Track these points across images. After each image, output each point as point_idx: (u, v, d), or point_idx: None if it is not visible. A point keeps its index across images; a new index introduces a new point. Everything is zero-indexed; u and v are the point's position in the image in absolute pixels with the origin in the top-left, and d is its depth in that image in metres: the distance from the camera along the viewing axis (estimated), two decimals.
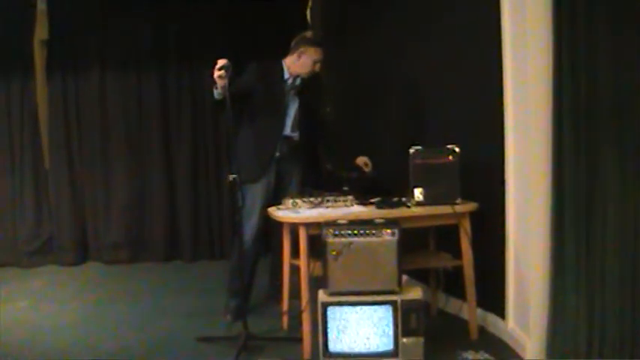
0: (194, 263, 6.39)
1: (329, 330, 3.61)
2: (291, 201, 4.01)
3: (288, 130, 4.73)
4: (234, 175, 3.88)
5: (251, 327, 4.02)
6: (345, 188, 4.27)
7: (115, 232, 6.46)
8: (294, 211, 3.93)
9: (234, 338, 4.01)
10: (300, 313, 3.92)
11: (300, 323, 3.93)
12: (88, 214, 6.52)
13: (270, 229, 4.66)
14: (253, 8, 6.31)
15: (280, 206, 4.07)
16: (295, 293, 4.11)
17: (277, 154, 4.67)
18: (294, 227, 3.94)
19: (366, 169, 4.73)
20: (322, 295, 3.65)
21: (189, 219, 6.49)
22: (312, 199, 4.03)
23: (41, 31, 6.22)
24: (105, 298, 5.36)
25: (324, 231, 3.58)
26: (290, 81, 4.73)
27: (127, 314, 4.89)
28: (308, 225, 3.78)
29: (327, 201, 4.03)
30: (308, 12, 6.36)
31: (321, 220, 3.75)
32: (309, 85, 4.82)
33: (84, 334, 4.46)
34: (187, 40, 6.39)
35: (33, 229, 6.45)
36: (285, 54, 4.73)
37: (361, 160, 4.76)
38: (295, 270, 4.05)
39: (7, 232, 6.46)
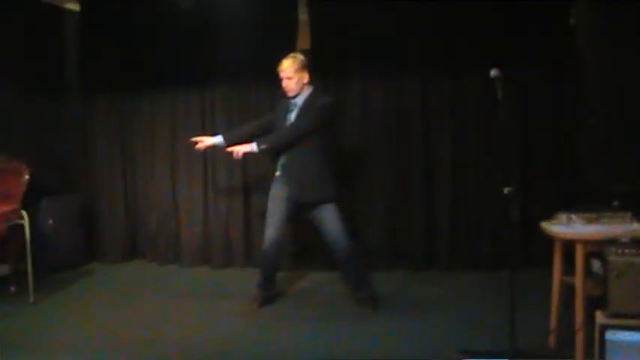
0: (450, 273, 6.33)
1: (607, 354, 3.45)
2: (564, 216, 3.87)
3: None
4: (509, 188, 3.81)
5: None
6: (615, 203, 4.03)
7: (374, 238, 6.58)
8: (568, 227, 3.79)
9: (500, 353, 3.94)
10: (570, 332, 3.79)
11: (569, 343, 3.79)
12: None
13: None
14: (519, 10, 6.13)
15: (553, 221, 3.94)
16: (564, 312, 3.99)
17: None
18: (566, 243, 3.81)
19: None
20: (600, 317, 3.49)
21: (447, 225, 6.46)
22: (586, 214, 3.85)
23: (303, 41, 6.56)
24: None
25: (606, 249, 3.42)
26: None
27: (389, 323, 4.95)
28: (585, 242, 3.63)
29: (604, 217, 3.83)
30: (572, 14, 6.09)
31: (599, 237, 3.58)
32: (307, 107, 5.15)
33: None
34: (451, 45, 6.36)
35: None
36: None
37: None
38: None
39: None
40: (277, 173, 5.24)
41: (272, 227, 5.26)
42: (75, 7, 7.18)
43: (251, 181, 6.87)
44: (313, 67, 5.33)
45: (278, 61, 5.24)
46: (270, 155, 5.28)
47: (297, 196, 5.20)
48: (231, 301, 5.60)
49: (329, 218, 5.14)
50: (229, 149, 5.19)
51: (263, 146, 5.04)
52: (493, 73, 3.88)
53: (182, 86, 6.97)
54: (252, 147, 5.05)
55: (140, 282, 6.43)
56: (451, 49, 6.34)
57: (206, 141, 5.46)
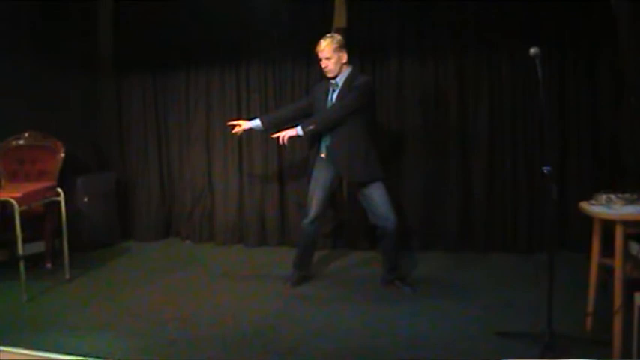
0: (486, 255, 6.25)
1: None
2: (604, 196, 3.79)
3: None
4: (547, 168, 3.73)
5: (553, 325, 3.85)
6: None
7: (408, 219, 6.53)
8: (608, 208, 3.71)
9: (536, 335, 3.89)
10: (607, 314, 3.72)
11: (607, 325, 3.72)
12: None
13: None
14: None
15: (592, 201, 3.86)
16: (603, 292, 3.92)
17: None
18: (607, 224, 3.73)
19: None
20: (639, 299, 3.41)
21: (483, 207, 6.36)
22: (626, 195, 3.77)
23: (339, 20, 6.47)
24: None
25: None
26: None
27: (424, 304, 4.89)
28: (625, 223, 3.55)
29: None
30: None
31: (639, 218, 3.49)
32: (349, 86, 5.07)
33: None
34: (485, 25, 6.20)
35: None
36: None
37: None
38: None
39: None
40: (322, 155, 5.22)
41: (314, 206, 5.24)
42: None
43: (286, 159, 6.85)
44: (349, 45, 5.27)
45: (313, 38, 5.20)
46: (311, 137, 5.25)
47: (346, 176, 5.24)
48: (266, 280, 5.62)
49: (378, 195, 5.11)
50: (274, 136, 5.20)
51: (308, 129, 5.03)
52: (533, 50, 3.82)
53: (217, 63, 6.96)
54: (296, 131, 5.05)
55: (174, 260, 6.48)
56: (488, 29, 6.21)
57: (243, 125, 5.47)
